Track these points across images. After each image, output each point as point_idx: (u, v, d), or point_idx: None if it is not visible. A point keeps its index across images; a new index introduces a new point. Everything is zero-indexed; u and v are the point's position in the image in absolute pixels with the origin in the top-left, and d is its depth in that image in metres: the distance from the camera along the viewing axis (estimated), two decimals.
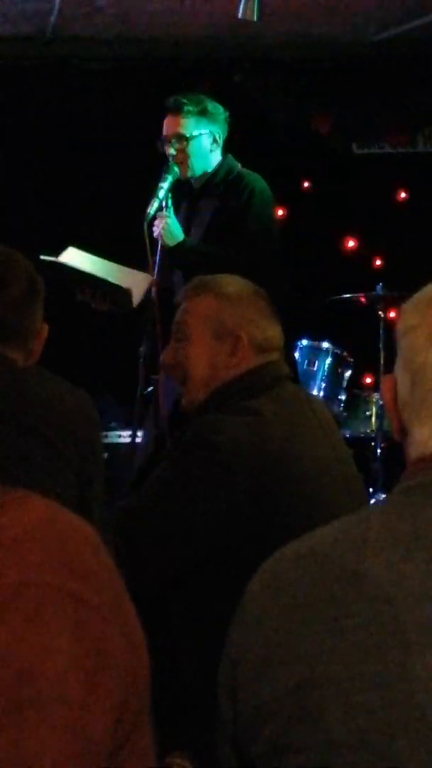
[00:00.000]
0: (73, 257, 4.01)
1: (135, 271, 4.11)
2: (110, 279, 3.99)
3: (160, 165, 4.19)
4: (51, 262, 3.93)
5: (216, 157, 4.19)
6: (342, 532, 1.12)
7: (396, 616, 1.00)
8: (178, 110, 4.12)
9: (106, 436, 5.01)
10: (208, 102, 4.18)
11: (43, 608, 0.89)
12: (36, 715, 0.84)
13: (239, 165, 4.24)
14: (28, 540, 0.93)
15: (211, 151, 4.16)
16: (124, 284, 3.98)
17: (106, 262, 4.09)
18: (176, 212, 4.14)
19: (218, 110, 4.19)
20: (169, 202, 4.11)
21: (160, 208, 4.06)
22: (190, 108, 4.11)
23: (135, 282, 4.04)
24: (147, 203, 4.11)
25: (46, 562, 0.92)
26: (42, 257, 3.89)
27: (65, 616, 0.89)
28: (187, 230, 4.11)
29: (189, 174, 4.16)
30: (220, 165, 4.19)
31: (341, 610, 1.03)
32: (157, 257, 4.08)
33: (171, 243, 4.04)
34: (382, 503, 1.16)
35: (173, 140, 4.11)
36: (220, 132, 4.18)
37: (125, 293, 3.99)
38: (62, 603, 0.90)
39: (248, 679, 1.09)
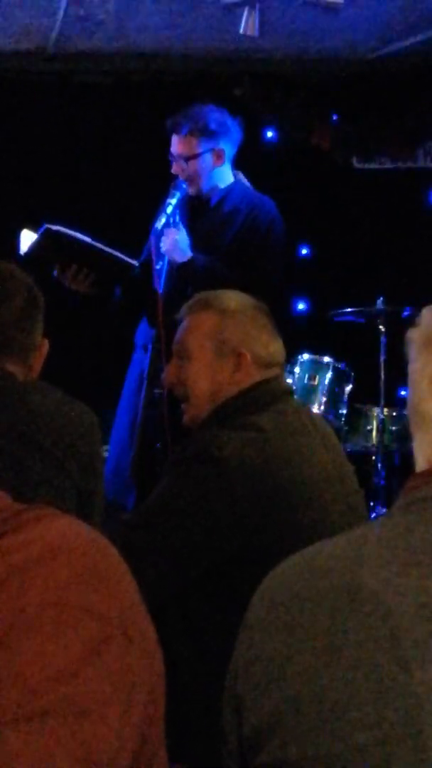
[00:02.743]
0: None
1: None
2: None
3: (161, 180, 4.19)
4: (57, 231, 3.87)
5: (225, 171, 4.15)
6: (341, 548, 1.12)
7: (393, 632, 1.00)
8: (176, 131, 4.09)
9: (107, 451, 5.00)
10: (210, 117, 4.11)
11: (66, 627, 0.89)
12: (52, 725, 0.84)
13: (251, 186, 4.23)
14: (50, 558, 0.93)
15: (215, 166, 4.13)
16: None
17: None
18: (187, 227, 4.12)
19: (224, 123, 4.12)
20: (178, 218, 4.09)
21: (167, 224, 4.04)
22: (189, 126, 4.07)
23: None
24: (148, 218, 4.11)
25: (70, 582, 0.92)
26: (49, 226, 3.84)
27: (88, 635, 0.89)
28: (200, 245, 4.08)
29: (196, 191, 4.14)
30: (234, 184, 4.16)
31: (338, 626, 1.03)
32: (163, 272, 4.06)
33: (179, 259, 4.01)
34: (382, 518, 1.16)
35: (178, 159, 4.11)
36: (224, 146, 4.12)
37: (126, 269, 3.97)
38: (85, 622, 0.90)
39: (250, 694, 1.09)
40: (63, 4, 5.19)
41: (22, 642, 0.87)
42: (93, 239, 3.96)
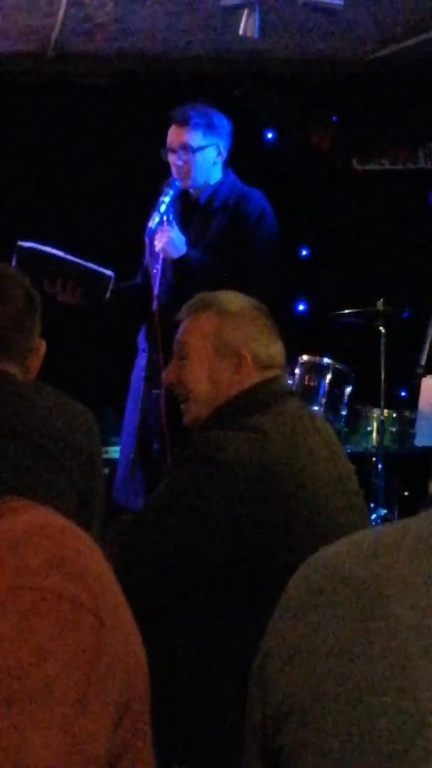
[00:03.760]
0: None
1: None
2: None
3: (161, 180, 4.20)
4: (30, 248, 3.91)
5: (218, 170, 4.21)
6: (382, 536, 1.12)
7: (425, 622, 1.00)
8: (185, 121, 4.13)
9: (107, 452, 5.00)
10: (214, 115, 4.20)
11: (38, 610, 0.90)
12: (25, 711, 0.85)
13: (240, 181, 4.26)
14: (23, 544, 0.95)
15: (214, 163, 4.18)
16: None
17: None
18: (179, 226, 4.15)
19: (223, 123, 4.21)
20: (171, 216, 4.12)
21: (161, 222, 4.07)
22: (198, 120, 4.13)
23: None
24: (147, 218, 4.12)
25: (42, 566, 0.93)
26: (20, 243, 3.87)
27: (61, 618, 0.90)
28: (191, 244, 4.12)
29: (190, 185, 4.17)
30: (224, 180, 4.21)
31: (370, 612, 1.03)
32: (158, 271, 4.09)
33: (175, 255, 4.04)
34: (424, 512, 1.16)
35: (179, 150, 4.13)
36: (224, 145, 4.20)
37: (105, 281, 3.98)
38: (58, 605, 0.91)
39: (276, 673, 1.10)
40: (63, 5, 5.19)
41: None
42: (67, 253, 3.99)
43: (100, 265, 4.07)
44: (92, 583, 0.95)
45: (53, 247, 3.98)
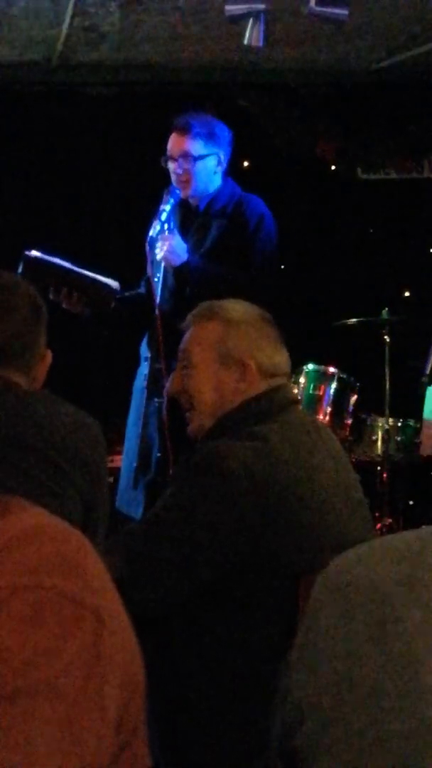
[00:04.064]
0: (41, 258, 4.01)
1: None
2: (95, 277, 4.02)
3: (164, 189, 4.21)
4: (37, 257, 3.92)
5: (217, 179, 4.21)
6: (409, 541, 1.12)
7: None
8: (187, 130, 4.14)
9: (111, 461, 5.00)
10: (216, 124, 4.21)
11: (40, 610, 0.90)
12: (28, 708, 0.86)
13: (239, 188, 4.27)
14: (22, 544, 0.95)
15: (215, 172, 4.19)
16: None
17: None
18: (180, 233, 4.16)
19: (224, 133, 4.22)
20: (172, 224, 4.13)
21: (162, 230, 4.07)
22: (199, 129, 4.14)
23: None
24: (150, 226, 4.12)
25: (42, 565, 0.93)
26: (27, 253, 3.89)
27: (63, 617, 0.91)
28: (191, 251, 4.12)
29: (191, 194, 4.18)
30: (223, 187, 4.22)
31: (393, 616, 1.03)
32: (160, 279, 4.09)
33: (176, 263, 4.05)
34: None
35: (179, 159, 4.13)
36: (224, 154, 4.21)
37: (110, 292, 4.00)
38: (59, 604, 0.91)
39: (297, 673, 1.10)
40: (68, 15, 5.21)
41: None
42: (72, 263, 4.01)
43: (104, 273, 4.08)
44: (92, 582, 0.96)
45: (57, 255, 3.99)
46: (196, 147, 4.14)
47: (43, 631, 0.89)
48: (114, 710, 0.92)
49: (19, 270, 3.89)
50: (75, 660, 0.89)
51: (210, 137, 4.15)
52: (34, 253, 3.91)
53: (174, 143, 4.18)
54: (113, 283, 4.04)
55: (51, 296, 3.99)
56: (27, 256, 3.89)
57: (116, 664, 0.94)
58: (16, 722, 0.85)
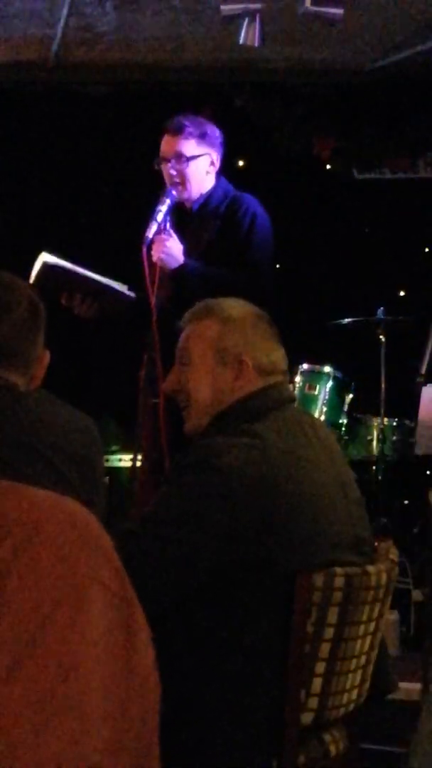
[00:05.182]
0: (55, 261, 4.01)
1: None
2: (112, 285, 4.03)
3: (161, 189, 4.21)
4: (54, 265, 3.92)
5: (210, 180, 4.22)
6: None
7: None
8: (179, 131, 4.15)
9: (107, 460, 5.00)
10: (207, 125, 4.22)
11: (86, 599, 0.89)
12: (58, 690, 0.84)
13: (232, 187, 4.28)
14: (47, 528, 0.92)
15: (207, 173, 4.19)
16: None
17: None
18: (175, 234, 4.15)
19: (216, 134, 4.23)
20: (168, 225, 4.13)
21: (158, 231, 4.07)
22: (191, 129, 4.15)
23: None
24: (147, 227, 4.12)
25: (72, 550, 0.91)
26: (46, 260, 3.90)
27: (102, 606, 0.90)
28: (187, 252, 4.12)
29: (186, 195, 4.18)
30: (216, 187, 4.22)
31: None
32: (156, 280, 4.09)
33: (173, 265, 4.05)
34: None
35: (172, 159, 4.14)
36: (216, 155, 4.21)
37: (125, 302, 4.02)
38: (100, 593, 0.91)
39: None
40: (64, 15, 5.21)
41: (63, 615, 0.88)
42: (91, 271, 4.02)
43: (103, 273, 4.09)
44: (118, 566, 0.96)
45: (57, 255, 3.98)
46: (188, 147, 4.14)
47: (89, 623, 0.88)
48: (139, 702, 0.91)
49: (34, 274, 3.89)
50: (104, 647, 0.89)
51: (202, 137, 4.16)
52: (53, 259, 3.92)
53: (166, 144, 4.19)
54: (130, 294, 4.05)
55: (63, 301, 4.02)
56: (45, 263, 3.89)
57: (141, 655, 0.93)
58: (71, 693, 0.84)
